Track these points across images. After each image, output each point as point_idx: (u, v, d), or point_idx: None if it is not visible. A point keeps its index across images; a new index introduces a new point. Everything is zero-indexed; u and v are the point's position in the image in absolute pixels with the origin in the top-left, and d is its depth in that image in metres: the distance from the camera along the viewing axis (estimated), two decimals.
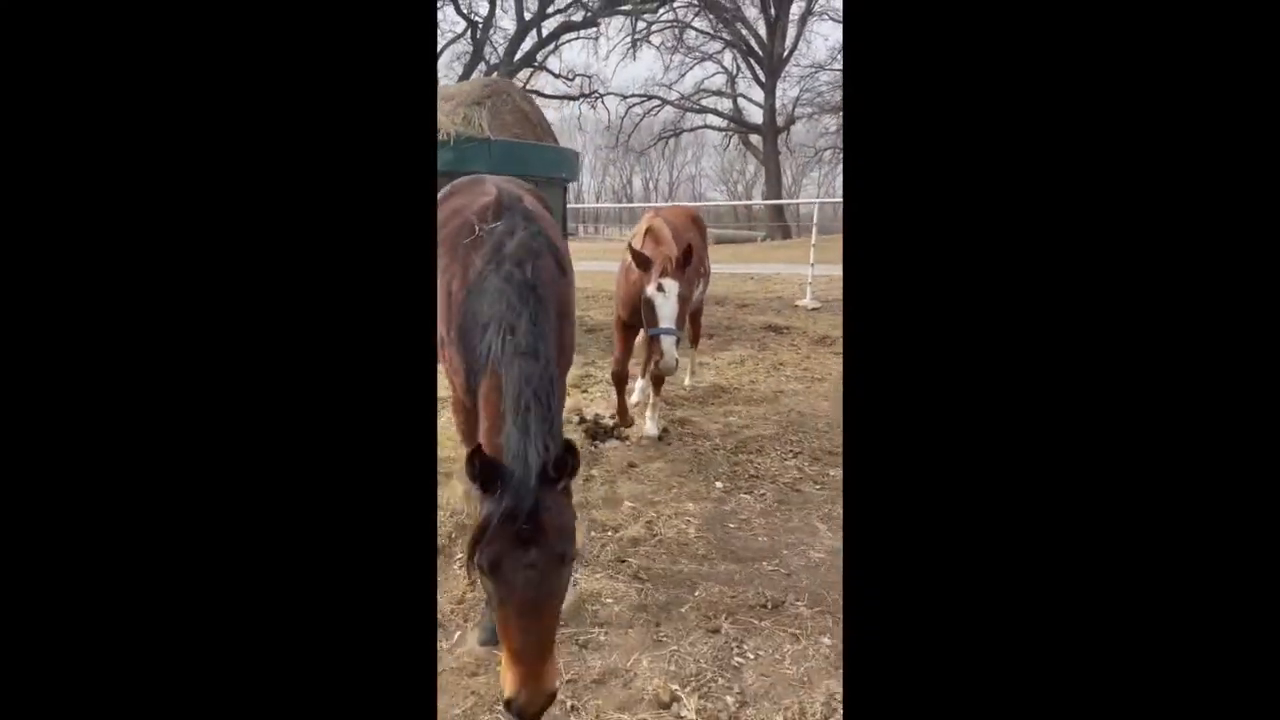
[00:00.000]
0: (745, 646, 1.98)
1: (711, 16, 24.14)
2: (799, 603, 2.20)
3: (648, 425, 3.60)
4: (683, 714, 1.71)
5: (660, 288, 2.96)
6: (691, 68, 27.75)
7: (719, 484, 3.14)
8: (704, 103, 28.44)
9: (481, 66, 21.58)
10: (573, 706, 1.74)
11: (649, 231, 3.28)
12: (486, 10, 18.67)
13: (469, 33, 20.32)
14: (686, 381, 4.52)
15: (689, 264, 3.06)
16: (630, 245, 3.23)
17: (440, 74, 23.06)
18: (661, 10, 18.90)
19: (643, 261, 3.04)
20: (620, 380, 3.57)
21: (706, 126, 30.82)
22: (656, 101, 28.90)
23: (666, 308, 2.95)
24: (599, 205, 38.21)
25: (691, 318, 4.29)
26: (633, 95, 28.47)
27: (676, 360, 3.00)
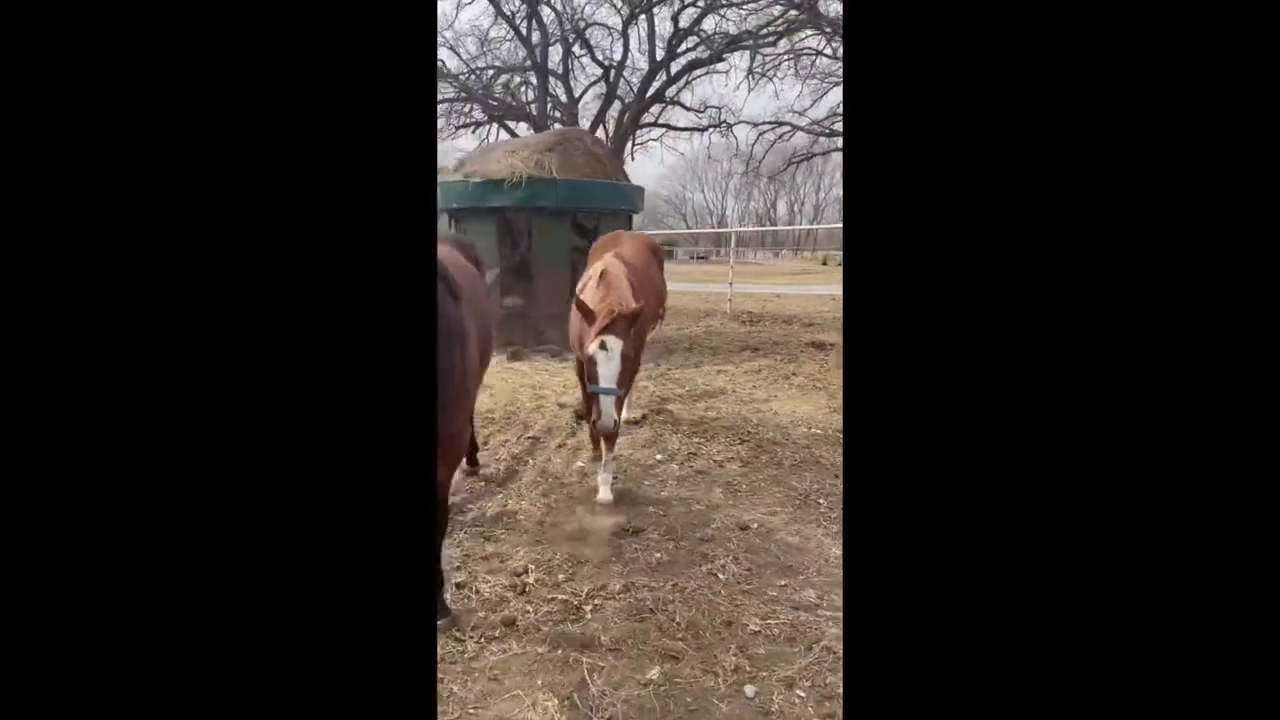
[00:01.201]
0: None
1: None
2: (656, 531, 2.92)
3: (600, 490, 3.15)
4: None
5: (603, 345, 2.76)
6: (826, 92, 27.76)
7: (659, 455, 3.88)
8: (835, 127, 28.25)
9: (616, 105, 23.54)
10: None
11: (602, 276, 3.06)
12: (620, 55, 20.55)
13: (605, 76, 22.35)
14: (625, 415, 3.91)
15: (636, 321, 2.87)
16: (577, 296, 3.06)
17: (581, 114, 25.32)
18: (781, 42, 19.57)
19: (587, 314, 2.86)
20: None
21: (837, 150, 30.47)
22: (787, 128, 29.19)
23: (609, 366, 2.76)
24: (742, 229, 38.94)
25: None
26: (763, 123, 29.05)
27: (616, 421, 2.85)
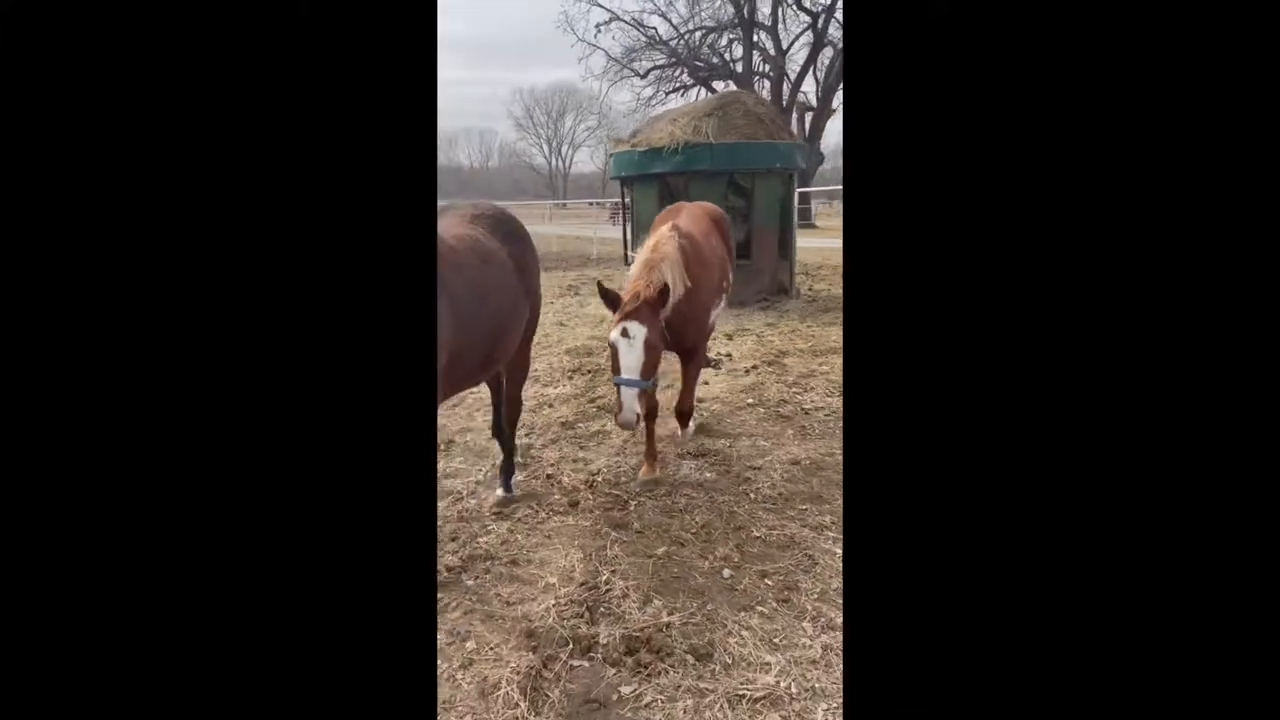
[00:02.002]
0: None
1: None
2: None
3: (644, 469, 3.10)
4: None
5: (625, 332, 2.60)
6: None
7: (750, 399, 4.30)
8: None
9: (827, 52, 22.80)
10: None
11: (650, 254, 2.85)
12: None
13: (813, 24, 21.79)
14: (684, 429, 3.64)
15: (663, 304, 2.69)
16: (599, 284, 2.95)
17: (789, 65, 24.61)
18: None
19: (611, 300, 2.73)
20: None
21: None
22: None
23: (631, 356, 2.59)
24: None
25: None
26: None
27: (637, 415, 2.62)
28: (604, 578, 2.38)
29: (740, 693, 1.83)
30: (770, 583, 2.35)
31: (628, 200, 8.54)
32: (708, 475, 3.25)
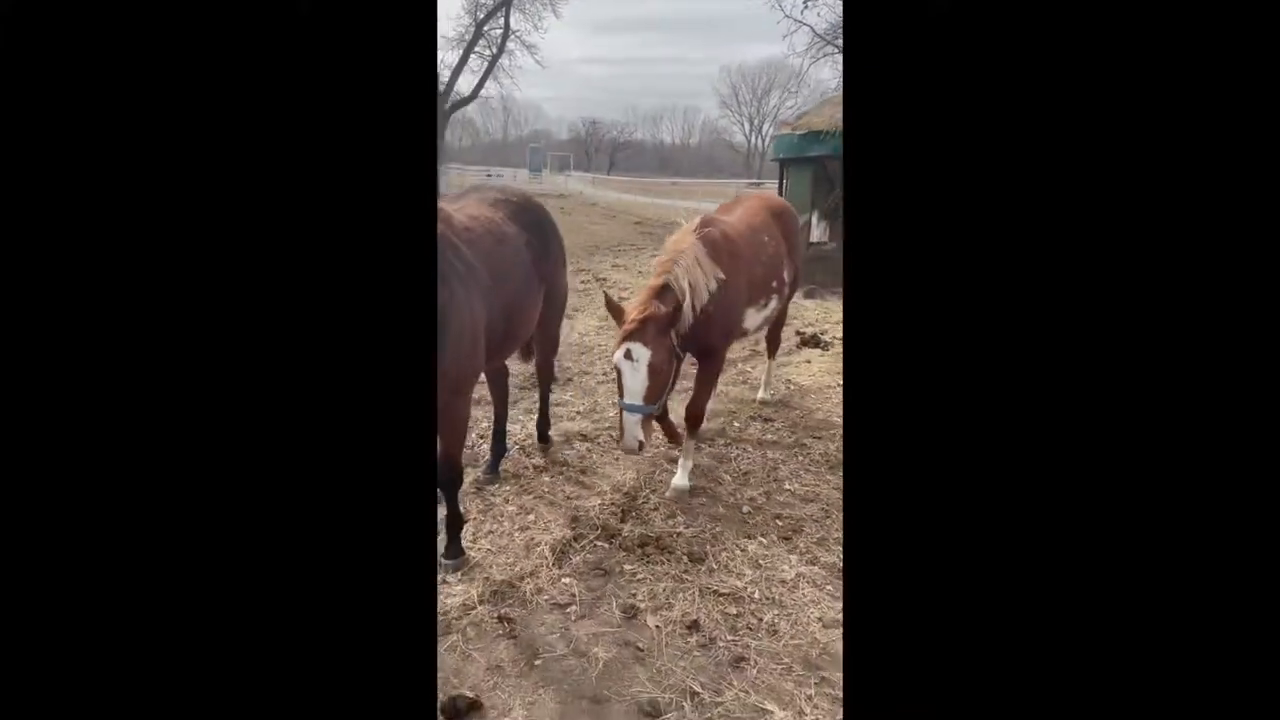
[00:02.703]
0: None
1: None
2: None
3: (677, 475, 2.91)
4: None
5: (628, 354, 2.40)
6: None
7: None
8: None
9: None
10: None
11: (659, 264, 2.62)
12: None
13: None
14: (760, 394, 4.07)
15: (674, 323, 2.45)
16: (605, 295, 2.67)
17: None
18: None
19: (616, 313, 2.49)
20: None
21: None
22: None
23: (634, 380, 2.40)
24: None
25: (772, 329, 3.78)
26: None
27: (640, 443, 2.46)
28: (644, 495, 2.92)
29: (712, 588, 2.28)
30: (780, 523, 2.72)
31: (785, 183, 8.72)
32: (769, 436, 3.62)
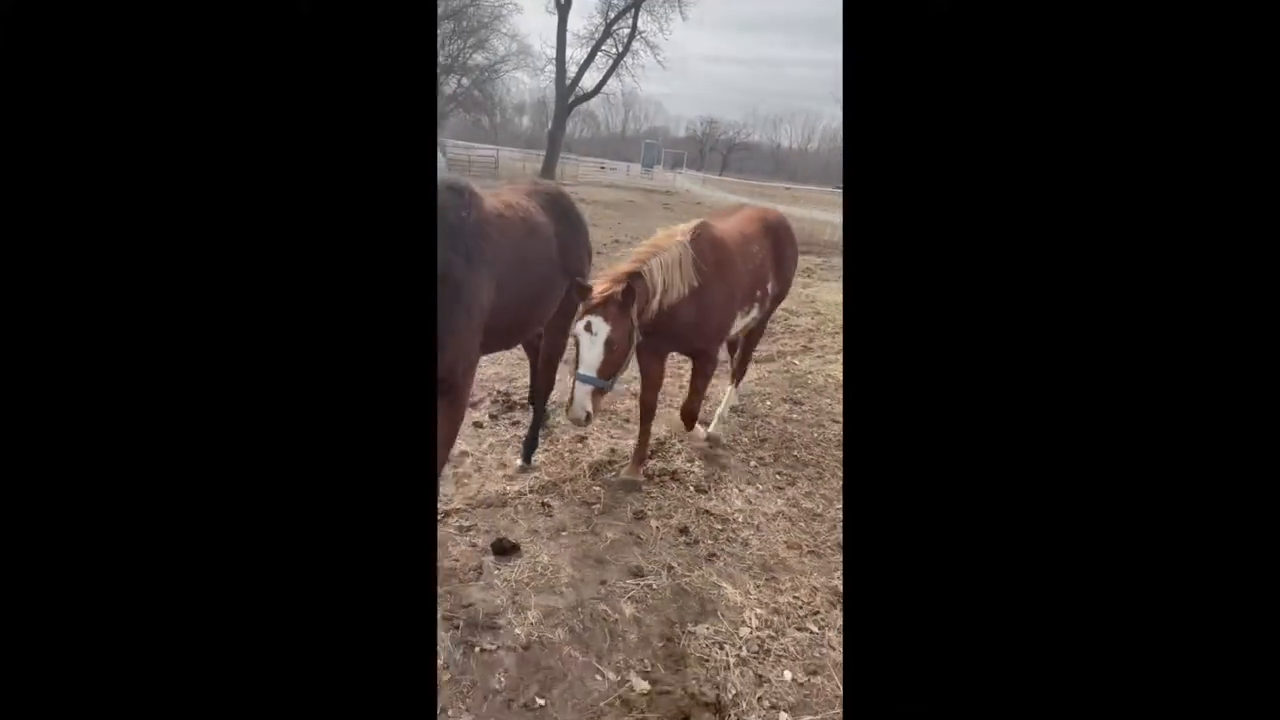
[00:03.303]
0: None
1: None
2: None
3: (712, 424, 3.53)
4: None
5: (589, 326, 2.50)
6: None
7: None
8: None
9: None
10: None
11: (637, 253, 2.75)
12: None
13: None
14: (711, 428, 3.58)
15: (631, 303, 2.54)
16: (576, 281, 2.70)
17: None
18: None
19: (582, 291, 2.60)
20: (644, 409, 2.97)
21: None
22: None
23: (591, 352, 2.49)
24: None
25: (743, 349, 3.86)
26: None
27: (587, 414, 2.51)
28: (672, 443, 3.56)
29: (707, 509, 2.91)
30: (779, 479, 3.29)
31: None
32: (794, 416, 4.16)
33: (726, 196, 23.65)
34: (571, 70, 23.45)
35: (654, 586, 2.36)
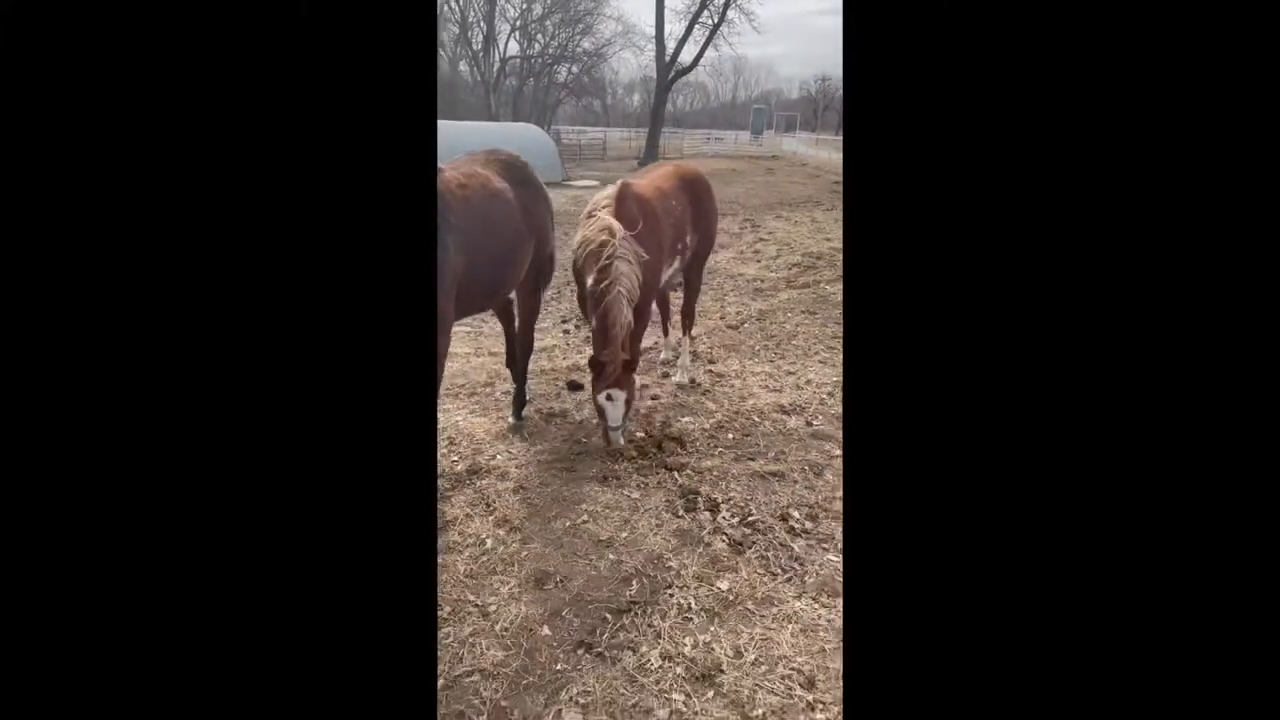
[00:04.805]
0: None
1: None
2: None
3: (678, 373, 4.02)
4: None
5: (609, 397, 3.08)
6: None
7: None
8: None
9: None
10: None
11: (603, 305, 3.08)
12: None
13: None
14: (677, 377, 4.09)
15: (633, 369, 3.14)
16: (591, 358, 3.12)
17: None
18: None
19: (595, 368, 3.08)
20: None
21: None
22: None
23: (614, 412, 3.11)
24: None
25: (686, 301, 4.13)
26: None
27: (622, 444, 3.19)
28: (688, 419, 3.67)
29: (689, 471, 3.41)
30: (769, 454, 3.24)
31: None
32: (804, 325, 5.33)
33: (831, 155, 23.53)
34: (671, 46, 24.46)
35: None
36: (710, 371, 4.24)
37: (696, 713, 1.76)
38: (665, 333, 4.46)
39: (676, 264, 3.72)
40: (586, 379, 3.66)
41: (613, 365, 3.03)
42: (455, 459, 3.15)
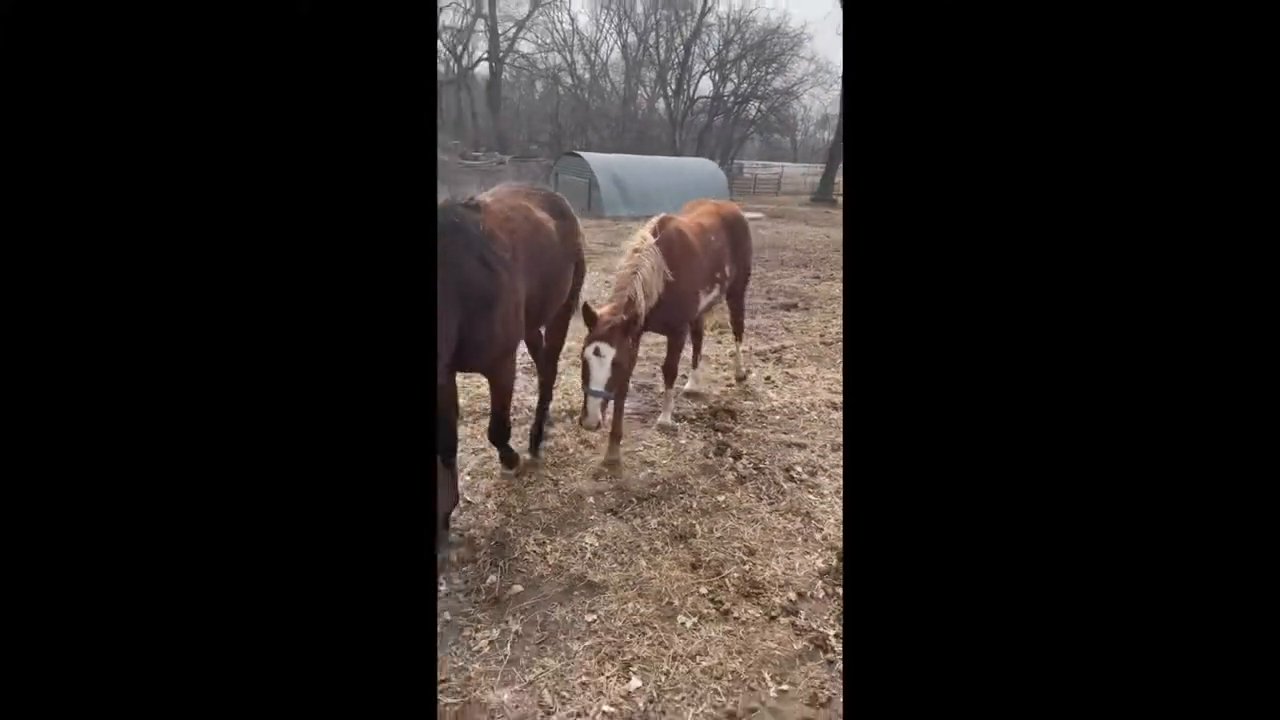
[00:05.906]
0: None
1: None
2: None
3: (662, 415, 3.97)
4: None
5: (597, 351, 2.97)
6: None
7: None
8: None
9: None
10: None
11: (621, 277, 3.22)
12: None
13: None
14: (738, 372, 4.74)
15: (630, 329, 3.05)
16: (584, 305, 3.14)
17: None
18: None
19: (589, 318, 3.04)
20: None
21: None
22: None
23: (600, 371, 2.98)
24: None
25: (734, 315, 4.62)
26: None
27: (598, 421, 3.01)
28: (748, 402, 5.15)
29: (731, 434, 5.00)
30: (803, 433, 4.21)
31: None
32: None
33: None
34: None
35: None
36: (786, 373, 5.02)
37: (668, 557, 2.68)
38: (695, 364, 4.64)
39: (716, 291, 4.00)
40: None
41: (607, 320, 3.01)
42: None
